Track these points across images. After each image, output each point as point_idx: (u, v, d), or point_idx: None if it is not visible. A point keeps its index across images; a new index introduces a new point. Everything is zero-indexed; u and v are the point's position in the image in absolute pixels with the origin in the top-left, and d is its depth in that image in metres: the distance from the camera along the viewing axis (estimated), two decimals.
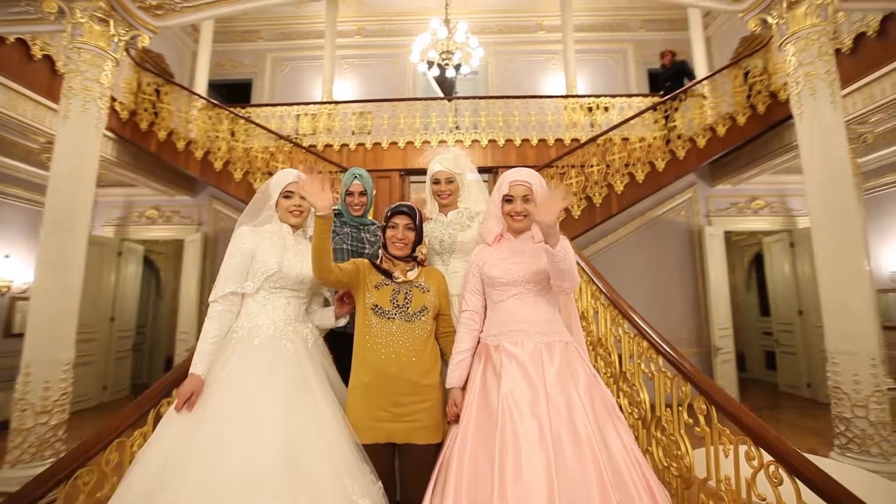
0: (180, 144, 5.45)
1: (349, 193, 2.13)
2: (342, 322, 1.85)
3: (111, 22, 3.02)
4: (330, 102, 6.99)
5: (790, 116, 4.89)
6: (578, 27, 7.59)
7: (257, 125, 5.75)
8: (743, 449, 1.62)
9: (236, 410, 1.45)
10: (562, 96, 6.82)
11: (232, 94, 7.92)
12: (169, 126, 5.54)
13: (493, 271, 1.63)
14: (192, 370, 1.56)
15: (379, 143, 6.80)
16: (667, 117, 5.45)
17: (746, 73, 5.22)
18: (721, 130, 5.10)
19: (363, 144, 6.79)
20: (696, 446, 1.92)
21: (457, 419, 1.60)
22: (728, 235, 6.42)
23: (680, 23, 7.74)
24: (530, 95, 7.06)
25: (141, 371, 7.57)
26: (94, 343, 5.99)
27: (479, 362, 1.61)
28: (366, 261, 1.79)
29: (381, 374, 1.60)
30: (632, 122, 5.70)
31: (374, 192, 2.41)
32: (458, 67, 6.51)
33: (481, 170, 6.88)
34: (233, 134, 5.99)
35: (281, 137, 5.66)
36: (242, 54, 8.18)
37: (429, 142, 6.74)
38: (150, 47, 3.89)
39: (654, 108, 5.50)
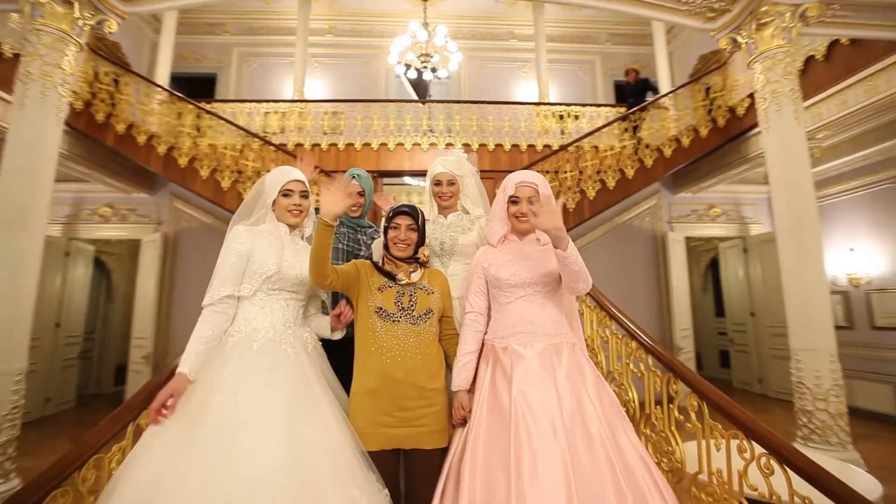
0: (141, 139, 5.13)
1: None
2: (338, 335, 1.77)
3: (76, 4, 2.79)
4: (302, 101, 6.81)
5: (748, 130, 5.24)
6: (549, 37, 7.78)
7: (227, 122, 5.53)
8: (734, 443, 1.70)
9: (237, 416, 1.37)
10: (534, 103, 6.97)
11: (194, 88, 7.54)
12: (128, 118, 5.21)
13: (502, 273, 1.64)
14: (179, 369, 1.46)
15: (352, 144, 6.69)
16: (636, 128, 5.69)
17: (708, 89, 5.54)
18: (686, 141, 5.37)
19: (335, 145, 6.67)
20: (685, 441, 2.00)
21: (463, 422, 1.58)
22: (687, 241, 6.76)
23: (644, 38, 8.11)
24: (504, 101, 7.16)
25: (88, 381, 7.05)
26: (36, 351, 5.48)
27: (486, 364, 1.61)
28: (367, 262, 1.74)
29: (387, 378, 1.56)
30: (602, 131, 5.92)
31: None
32: (434, 70, 6.53)
33: None
34: (198, 130, 5.73)
35: (252, 135, 5.46)
36: (207, 47, 7.84)
37: (402, 144, 6.71)
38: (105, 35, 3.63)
39: (624, 118, 5.72)
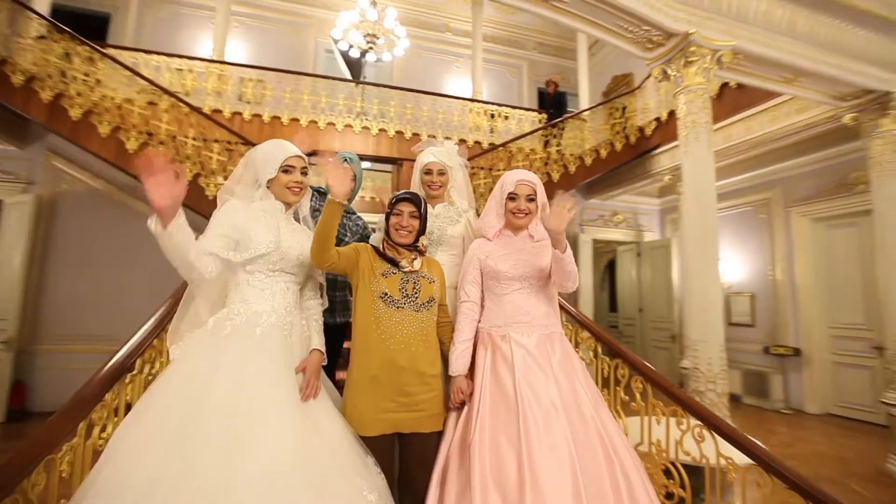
0: (17, 79, 4.23)
1: None
2: None
3: None
4: (223, 62, 6.17)
5: (653, 149, 6.00)
6: (484, 36, 8.01)
7: (139, 75, 4.80)
8: (673, 419, 2.03)
9: (242, 408, 1.27)
10: (468, 99, 7.16)
11: (81, 26, 6.35)
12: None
13: (501, 266, 1.74)
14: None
15: (278, 118, 6.27)
16: (562, 133, 6.18)
17: (624, 108, 6.22)
18: (603, 153, 5.98)
19: (259, 116, 6.18)
20: (629, 417, 2.31)
21: (461, 406, 1.67)
22: (593, 242, 7.53)
23: (566, 51, 8.77)
24: (442, 94, 7.24)
25: None
26: None
27: (484, 351, 1.70)
28: (368, 246, 1.73)
29: (390, 365, 1.58)
30: (530, 135, 6.33)
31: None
32: (367, 52, 6.34)
33: (386, 160, 6.86)
34: (86, 76, 4.86)
35: (168, 93, 4.80)
36: None
37: (334, 124, 6.47)
38: None
39: (553, 125, 6.18)
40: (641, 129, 6.11)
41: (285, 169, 1.61)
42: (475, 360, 1.71)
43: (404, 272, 1.68)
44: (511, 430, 1.48)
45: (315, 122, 6.39)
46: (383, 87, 6.81)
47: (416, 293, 1.66)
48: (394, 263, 1.68)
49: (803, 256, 5.63)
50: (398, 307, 1.62)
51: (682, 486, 1.96)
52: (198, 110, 4.94)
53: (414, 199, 1.72)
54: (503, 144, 6.00)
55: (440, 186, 2.08)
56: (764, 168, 5.84)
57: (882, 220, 4.11)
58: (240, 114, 6.08)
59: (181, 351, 1.44)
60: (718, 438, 1.85)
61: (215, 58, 6.30)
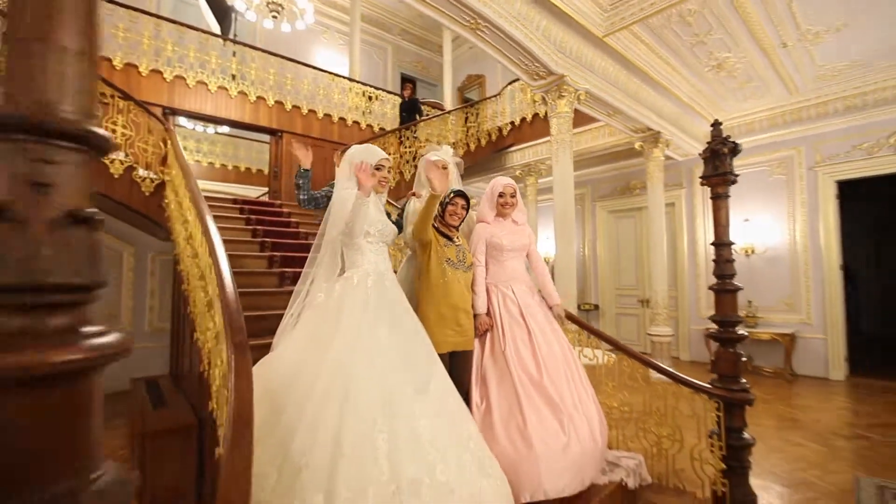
0: None
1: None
2: None
3: None
4: None
5: (508, 146, 7.70)
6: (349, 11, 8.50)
7: None
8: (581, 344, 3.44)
9: (401, 330, 2.04)
10: (348, 79, 7.65)
11: None
12: None
13: (505, 241, 2.78)
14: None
15: (134, 66, 5.76)
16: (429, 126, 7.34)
17: (487, 110, 7.73)
18: (472, 147, 7.40)
19: (109, 60, 5.56)
20: None
21: (484, 333, 2.68)
22: None
23: (428, 43, 9.90)
24: (326, 70, 7.52)
25: None
26: None
27: (496, 297, 2.73)
28: (432, 226, 2.55)
29: (452, 306, 2.48)
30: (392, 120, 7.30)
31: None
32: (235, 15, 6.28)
33: (266, 131, 6.91)
34: None
35: None
36: None
37: (205, 83, 6.26)
38: None
39: (437, 116, 7.29)
40: (500, 130, 7.73)
41: (377, 167, 2.32)
42: (490, 303, 2.74)
43: (456, 245, 2.58)
44: (525, 338, 2.58)
45: (182, 79, 6.04)
46: (267, 53, 6.77)
47: (464, 258, 2.59)
48: (449, 238, 2.56)
49: (602, 238, 8.18)
50: (455, 268, 2.53)
51: None
52: None
53: (465, 196, 2.62)
54: (388, 132, 6.83)
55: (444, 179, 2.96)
56: (581, 171, 8.17)
57: (651, 215, 6.58)
58: None
59: (328, 295, 2.07)
60: (605, 346, 3.33)
61: None
